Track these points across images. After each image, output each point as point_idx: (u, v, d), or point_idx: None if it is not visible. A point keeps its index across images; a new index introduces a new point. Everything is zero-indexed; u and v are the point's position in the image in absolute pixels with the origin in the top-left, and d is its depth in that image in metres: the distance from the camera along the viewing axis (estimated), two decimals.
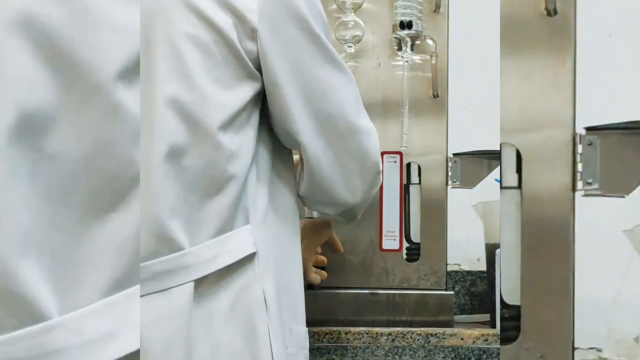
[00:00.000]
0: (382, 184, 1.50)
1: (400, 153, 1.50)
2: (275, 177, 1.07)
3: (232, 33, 0.98)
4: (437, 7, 1.52)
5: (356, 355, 1.33)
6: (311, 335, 1.33)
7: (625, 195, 0.93)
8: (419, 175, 1.52)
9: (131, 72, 0.69)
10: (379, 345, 1.33)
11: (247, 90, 1.01)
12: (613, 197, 0.94)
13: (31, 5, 0.65)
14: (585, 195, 0.95)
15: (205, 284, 0.98)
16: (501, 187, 0.95)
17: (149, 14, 0.97)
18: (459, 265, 1.78)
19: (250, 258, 1.01)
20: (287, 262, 1.08)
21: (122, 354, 0.68)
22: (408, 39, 1.48)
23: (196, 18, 0.98)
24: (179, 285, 0.96)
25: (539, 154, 0.95)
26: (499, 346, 1.30)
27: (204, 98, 0.98)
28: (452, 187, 1.50)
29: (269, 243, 1.04)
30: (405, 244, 1.50)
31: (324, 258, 1.39)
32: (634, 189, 0.92)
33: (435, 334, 1.33)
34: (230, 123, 0.99)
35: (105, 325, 0.68)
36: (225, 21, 0.98)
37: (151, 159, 0.96)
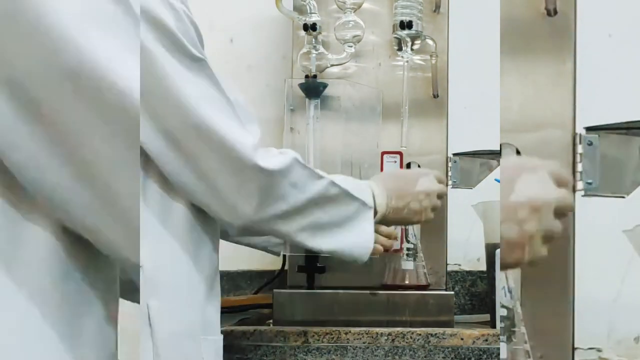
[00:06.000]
0: None
1: (400, 153, 1.50)
2: (167, 191, 1.04)
3: None
4: (437, 7, 1.52)
5: (356, 355, 1.33)
6: (311, 335, 1.33)
7: (625, 195, 0.93)
8: None
9: None
10: (379, 345, 1.33)
11: None
12: (613, 197, 0.94)
13: None
14: (585, 195, 0.95)
15: None
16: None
17: None
18: (459, 265, 1.78)
19: None
20: (185, 281, 1.05)
21: None
22: (408, 39, 1.48)
23: None
24: None
25: (539, 154, 0.95)
26: (499, 346, 1.30)
27: None
28: (452, 187, 1.50)
29: (160, 262, 1.02)
30: (406, 244, 1.50)
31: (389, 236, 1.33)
32: (634, 189, 0.92)
33: (435, 334, 1.33)
34: None
35: None
36: None
37: None
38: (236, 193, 1.02)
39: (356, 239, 1.18)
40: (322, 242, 1.15)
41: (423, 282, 1.45)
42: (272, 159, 1.05)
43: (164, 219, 1.04)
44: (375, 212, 1.23)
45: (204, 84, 0.98)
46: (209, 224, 1.09)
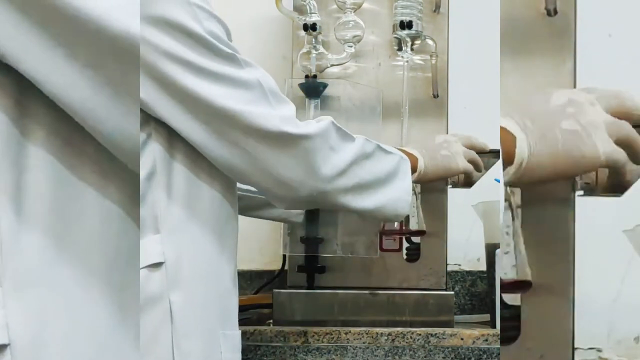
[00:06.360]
0: None
1: None
2: (194, 183, 1.05)
3: None
4: (437, 7, 1.52)
5: (356, 355, 1.33)
6: (311, 335, 1.33)
7: (621, 195, 0.93)
8: None
9: None
10: (379, 345, 1.33)
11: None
12: (613, 197, 0.94)
13: None
14: (584, 195, 0.95)
15: None
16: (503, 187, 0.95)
17: None
18: (459, 265, 1.78)
19: (155, 268, 1.00)
20: (212, 269, 1.05)
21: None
22: (408, 39, 1.48)
23: None
24: None
25: None
26: (498, 346, 1.30)
27: None
28: (452, 187, 1.50)
29: (184, 252, 1.02)
30: (405, 244, 1.50)
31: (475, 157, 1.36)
32: (632, 188, 0.92)
33: (435, 334, 1.34)
34: None
35: None
36: None
37: None
38: (282, 165, 1.05)
39: (397, 193, 1.20)
40: (368, 201, 1.16)
41: (419, 227, 1.43)
42: (308, 126, 1.07)
43: (190, 204, 1.04)
44: (414, 170, 1.26)
45: (229, 80, 1.02)
46: (234, 215, 1.09)
